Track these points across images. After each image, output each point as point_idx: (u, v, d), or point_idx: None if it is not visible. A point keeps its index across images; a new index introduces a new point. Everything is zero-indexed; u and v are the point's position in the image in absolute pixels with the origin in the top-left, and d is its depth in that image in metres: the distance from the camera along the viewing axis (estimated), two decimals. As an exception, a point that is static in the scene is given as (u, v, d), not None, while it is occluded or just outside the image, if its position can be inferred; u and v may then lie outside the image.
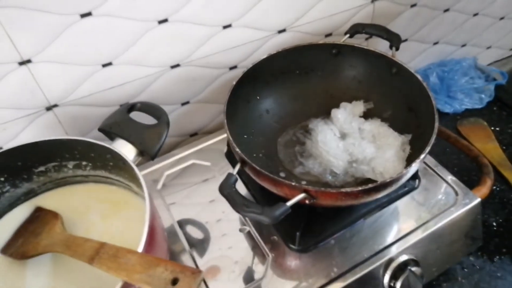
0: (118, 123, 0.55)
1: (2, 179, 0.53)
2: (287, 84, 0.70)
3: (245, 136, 0.64)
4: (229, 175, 0.50)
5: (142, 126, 0.54)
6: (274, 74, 0.68)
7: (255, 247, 0.58)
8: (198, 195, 0.66)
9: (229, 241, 0.59)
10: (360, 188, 0.47)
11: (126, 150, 0.53)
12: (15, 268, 0.51)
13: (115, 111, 0.56)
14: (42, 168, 0.55)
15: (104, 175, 0.57)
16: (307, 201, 0.48)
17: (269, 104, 0.69)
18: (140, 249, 0.42)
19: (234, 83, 0.60)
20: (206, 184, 0.67)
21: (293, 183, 0.48)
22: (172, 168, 0.70)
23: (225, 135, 0.73)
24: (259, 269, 0.56)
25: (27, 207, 0.56)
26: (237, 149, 0.52)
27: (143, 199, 0.55)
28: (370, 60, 0.67)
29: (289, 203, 0.46)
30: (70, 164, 0.56)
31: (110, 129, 0.54)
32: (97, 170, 0.57)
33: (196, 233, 0.61)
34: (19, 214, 0.55)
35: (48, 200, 0.57)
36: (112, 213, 0.56)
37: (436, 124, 0.53)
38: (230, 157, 0.69)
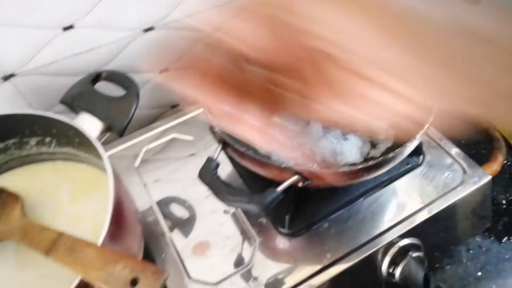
0: (82, 95, 0.48)
1: (-44, 156, 0.48)
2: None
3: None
4: (209, 160, 0.44)
5: (108, 99, 0.48)
6: None
7: (243, 229, 0.53)
8: (183, 170, 0.60)
9: (220, 218, 0.54)
10: (360, 166, 0.42)
11: (91, 125, 0.47)
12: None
13: (78, 81, 0.49)
14: (0, 145, 0.49)
15: (72, 152, 0.51)
16: (300, 184, 0.43)
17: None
18: (102, 237, 0.37)
19: None
20: (192, 159, 0.61)
21: (283, 165, 0.42)
22: (152, 143, 0.64)
23: (209, 108, 0.66)
24: (247, 253, 0.51)
25: (-11, 187, 0.50)
26: (216, 129, 0.46)
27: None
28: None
29: (280, 189, 0.41)
30: (33, 141, 0.50)
31: (73, 102, 0.48)
32: (63, 147, 0.51)
33: (181, 212, 0.56)
34: (-20, 195, 0.50)
35: (12, 179, 0.51)
36: (82, 193, 0.51)
37: None
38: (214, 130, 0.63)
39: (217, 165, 0.44)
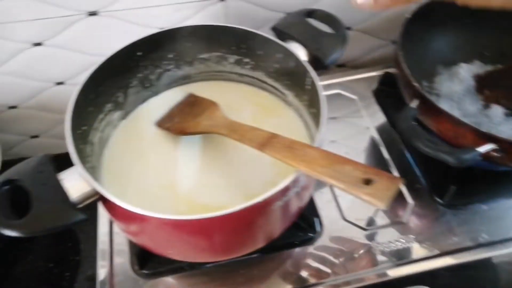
0: (295, 25, 0.52)
1: (171, 55, 0.54)
2: (454, 33, 0.62)
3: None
4: (408, 107, 0.46)
5: (319, 33, 0.51)
6: (444, 19, 0.60)
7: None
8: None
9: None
10: None
11: (299, 53, 0.50)
12: (169, 143, 0.52)
13: (292, 13, 0.53)
14: (205, 55, 0.55)
15: (260, 78, 0.55)
16: (492, 154, 0.43)
17: (430, 51, 0.62)
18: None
19: (408, 16, 0.54)
20: (334, 123, 0.63)
21: (483, 130, 0.43)
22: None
23: (373, 74, 0.68)
24: (399, 213, 0.53)
25: (182, 91, 0.56)
26: (415, 83, 0.48)
27: (294, 110, 0.54)
28: None
29: (480, 149, 0.41)
30: (232, 59, 0.55)
31: (285, 29, 0.51)
32: (255, 71, 0.55)
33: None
34: (174, 95, 0.56)
35: (202, 89, 0.56)
36: (263, 116, 0.54)
37: None
38: (379, 95, 0.65)
39: (416, 114, 0.45)
